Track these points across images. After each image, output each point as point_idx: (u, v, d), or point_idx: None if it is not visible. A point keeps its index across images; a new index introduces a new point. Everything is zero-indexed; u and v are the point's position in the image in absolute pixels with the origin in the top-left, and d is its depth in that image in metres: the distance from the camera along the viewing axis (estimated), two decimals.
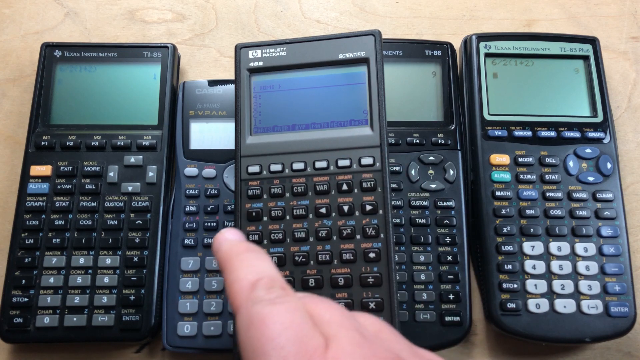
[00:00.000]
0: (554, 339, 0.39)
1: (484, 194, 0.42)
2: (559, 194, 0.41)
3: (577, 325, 0.39)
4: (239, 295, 0.21)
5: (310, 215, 0.34)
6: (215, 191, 0.42)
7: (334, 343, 0.19)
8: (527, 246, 0.40)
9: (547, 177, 0.42)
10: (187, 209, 0.41)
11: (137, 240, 0.40)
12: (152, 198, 0.41)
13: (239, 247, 0.24)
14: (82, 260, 0.40)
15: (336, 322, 0.20)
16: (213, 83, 0.45)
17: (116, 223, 0.41)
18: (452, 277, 0.40)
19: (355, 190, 0.34)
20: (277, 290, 0.21)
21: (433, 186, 0.42)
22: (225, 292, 0.23)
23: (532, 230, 0.41)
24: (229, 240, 0.25)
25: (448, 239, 0.41)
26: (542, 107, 0.44)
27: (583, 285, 0.39)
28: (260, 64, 0.37)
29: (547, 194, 0.41)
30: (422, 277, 0.40)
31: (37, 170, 0.42)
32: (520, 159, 0.42)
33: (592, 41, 0.46)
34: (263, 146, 0.36)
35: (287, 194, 0.34)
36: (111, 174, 0.42)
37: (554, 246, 0.40)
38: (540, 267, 0.40)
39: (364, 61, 0.36)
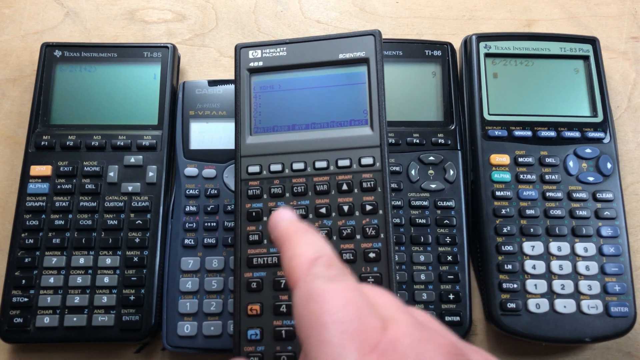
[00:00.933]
0: (554, 339, 0.39)
1: (484, 194, 0.42)
2: (559, 194, 0.41)
3: (577, 325, 0.39)
4: (298, 269, 0.21)
5: (310, 216, 0.34)
6: (215, 191, 0.42)
7: (393, 324, 0.19)
8: (527, 246, 0.40)
9: (547, 177, 0.42)
10: (187, 209, 0.41)
11: (137, 240, 0.40)
12: (152, 198, 0.41)
13: (297, 225, 0.24)
14: (82, 260, 0.40)
15: (392, 306, 0.21)
16: (213, 83, 0.45)
17: (116, 223, 0.41)
18: (452, 277, 0.40)
19: (355, 190, 0.34)
20: (336, 269, 0.21)
21: (433, 186, 0.42)
22: (282, 267, 0.23)
23: (532, 230, 0.41)
24: (287, 218, 0.25)
25: (448, 239, 0.41)
26: (542, 107, 0.44)
27: (583, 285, 0.39)
28: (260, 64, 0.37)
29: (547, 194, 0.41)
30: (422, 277, 0.40)
31: (37, 170, 0.42)
32: (520, 159, 0.42)
33: (592, 41, 0.46)
34: (263, 146, 0.36)
35: (287, 194, 0.34)
36: (111, 174, 0.42)
37: (554, 246, 0.40)
38: (540, 267, 0.40)
39: (364, 61, 0.36)
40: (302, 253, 0.22)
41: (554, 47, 0.45)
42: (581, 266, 0.40)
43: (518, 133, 0.43)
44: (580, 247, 0.40)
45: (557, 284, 0.39)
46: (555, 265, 0.40)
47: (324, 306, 0.19)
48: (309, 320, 0.19)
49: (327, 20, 0.51)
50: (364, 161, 0.34)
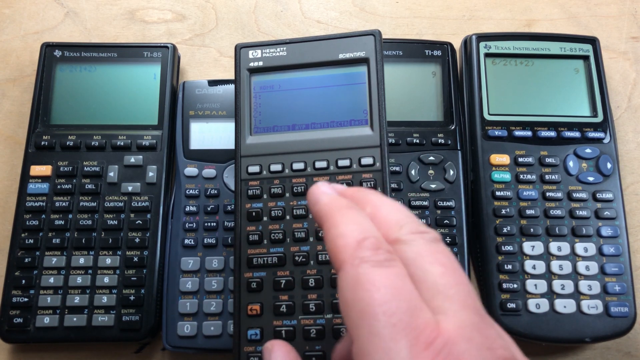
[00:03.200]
0: (554, 339, 0.39)
1: (484, 194, 0.42)
2: (559, 194, 0.41)
3: (577, 325, 0.39)
4: (344, 251, 0.20)
5: (310, 215, 0.34)
6: (215, 191, 0.42)
7: (445, 319, 0.18)
8: (527, 246, 0.40)
9: (547, 177, 0.42)
10: (187, 209, 0.41)
11: (137, 240, 0.40)
12: (152, 198, 0.41)
13: (339, 201, 0.23)
14: (82, 260, 0.40)
15: (444, 293, 0.19)
16: (213, 83, 0.45)
17: (116, 223, 0.41)
18: None
19: None
20: (384, 253, 0.20)
21: (433, 186, 0.42)
22: (326, 245, 0.22)
23: (532, 230, 0.41)
24: (328, 193, 0.24)
25: (448, 239, 0.41)
26: (542, 107, 0.44)
27: (583, 285, 0.39)
28: (260, 64, 0.37)
29: (547, 194, 0.41)
30: None
31: (37, 170, 0.42)
32: (520, 159, 0.42)
33: (592, 41, 0.46)
34: (263, 146, 0.36)
35: (287, 194, 0.34)
36: (111, 174, 0.42)
37: (554, 246, 0.40)
38: (540, 267, 0.40)
39: (364, 61, 0.36)
40: (348, 233, 0.21)
41: (554, 47, 0.45)
42: (581, 266, 0.40)
43: (518, 133, 0.43)
44: (580, 247, 0.40)
45: (557, 284, 0.39)
46: (555, 265, 0.40)
47: (373, 295, 0.18)
48: (358, 308, 0.19)
49: (327, 20, 0.51)
50: (364, 161, 0.34)
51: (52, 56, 0.45)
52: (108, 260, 0.40)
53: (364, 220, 0.22)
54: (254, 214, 0.34)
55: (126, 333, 0.38)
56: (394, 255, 0.20)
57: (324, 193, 0.24)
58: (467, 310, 0.19)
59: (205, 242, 0.40)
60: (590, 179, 0.42)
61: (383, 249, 0.20)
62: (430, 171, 0.42)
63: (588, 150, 0.43)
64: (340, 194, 0.24)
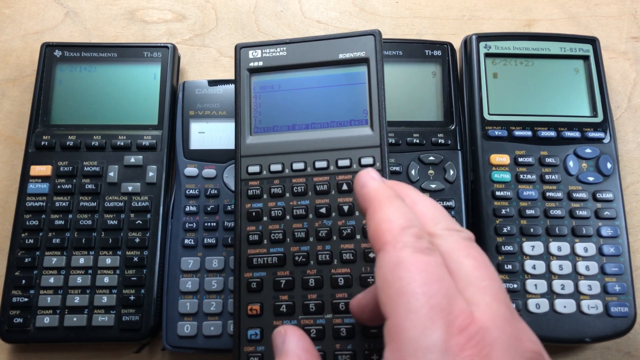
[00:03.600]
0: (554, 339, 0.39)
1: (484, 194, 0.42)
2: (559, 194, 0.41)
3: (577, 325, 0.39)
4: (388, 233, 0.21)
5: (310, 215, 0.34)
6: (215, 191, 0.42)
7: (479, 310, 0.19)
8: (527, 246, 0.40)
9: (547, 177, 0.42)
10: (187, 209, 0.41)
11: (137, 240, 0.40)
12: (152, 198, 0.41)
13: (387, 189, 0.24)
14: (82, 260, 0.40)
15: (477, 285, 0.20)
16: (213, 83, 0.45)
17: (116, 223, 0.41)
18: None
19: None
20: (426, 242, 0.21)
21: (433, 186, 0.42)
22: (368, 228, 0.22)
23: (532, 230, 0.41)
24: (377, 180, 0.24)
25: None
26: (542, 107, 0.44)
27: (583, 285, 0.39)
28: (260, 64, 0.37)
29: (547, 194, 0.41)
30: None
31: (37, 170, 0.42)
32: (520, 159, 0.42)
33: (592, 41, 0.46)
34: (263, 146, 0.36)
35: (287, 194, 0.34)
36: (111, 174, 0.42)
37: (554, 246, 0.40)
38: (540, 267, 0.40)
39: (364, 61, 0.36)
40: (393, 219, 0.21)
41: (554, 47, 0.45)
42: (581, 266, 0.40)
43: (518, 133, 0.43)
44: (580, 247, 0.40)
45: (557, 284, 0.39)
46: (555, 265, 0.40)
47: (414, 276, 0.19)
48: (397, 287, 0.19)
49: (327, 20, 0.51)
50: (364, 161, 0.34)
51: (52, 56, 0.45)
52: (108, 260, 0.40)
53: (408, 211, 0.22)
54: (254, 214, 0.34)
55: (126, 333, 0.38)
56: (434, 246, 0.21)
57: (373, 179, 0.25)
58: (498, 303, 0.19)
59: (205, 242, 0.40)
60: (590, 179, 0.42)
61: (425, 238, 0.21)
62: (430, 171, 0.42)
63: (588, 150, 0.43)
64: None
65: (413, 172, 0.42)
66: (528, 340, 0.19)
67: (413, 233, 0.21)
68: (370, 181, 0.24)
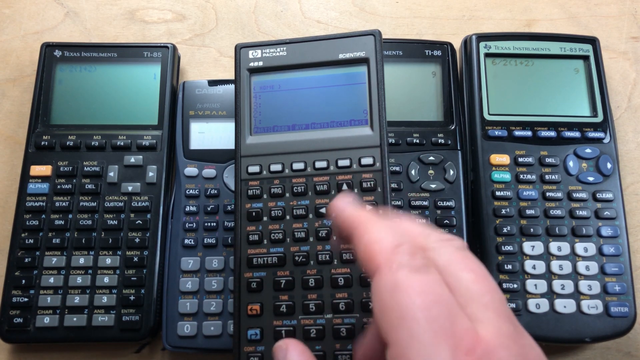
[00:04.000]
0: (554, 339, 0.39)
1: (484, 194, 0.42)
2: (559, 194, 0.41)
3: (577, 325, 0.39)
4: (380, 255, 0.20)
5: (310, 215, 0.34)
6: (215, 191, 0.42)
7: (483, 328, 0.18)
8: (527, 246, 0.40)
9: (547, 177, 0.42)
10: (187, 209, 0.41)
11: (137, 240, 0.40)
12: (152, 198, 0.41)
13: (369, 212, 0.23)
14: (82, 260, 0.40)
15: (478, 301, 0.19)
16: (213, 83, 0.45)
17: (116, 223, 0.41)
18: None
19: (355, 190, 0.34)
20: (421, 259, 0.20)
21: (433, 186, 0.42)
22: (358, 252, 0.22)
23: (532, 230, 0.41)
24: (353, 203, 0.24)
25: None
26: (542, 107, 0.44)
27: (583, 285, 0.39)
28: (260, 64, 0.37)
29: (547, 194, 0.41)
30: None
31: (37, 170, 0.42)
32: (520, 159, 0.42)
33: (592, 41, 0.46)
34: (263, 146, 0.36)
35: (287, 194, 0.34)
36: (111, 174, 0.42)
37: (554, 246, 0.40)
38: (540, 267, 0.40)
39: (364, 61, 0.36)
40: (383, 238, 0.21)
41: (554, 47, 0.45)
42: (581, 266, 0.40)
43: (518, 133, 0.43)
44: (580, 247, 0.40)
45: (557, 284, 0.39)
46: (555, 265, 0.40)
47: (414, 300, 0.18)
48: (398, 312, 0.18)
49: (327, 20, 0.51)
50: (364, 161, 0.34)
51: (52, 56, 0.45)
52: (108, 260, 0.40)
53: (396, 228, 0.22)
54: (254, 214, 0.34)
55: (126, 333, 0.38)
56: (430, 262, 0.20)
57: (349, 203, 0.24)
58: (502, 319, 0.19)
59: (205, 242, 0.40)
60: (590, 179, 0.42)
61: (419, 254, 0.20)
62: (430, 171, 0.42)
63: (588, 150, 0.43)
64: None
65: (413, 172, 0.42)
66: (534, 358, 0.19)
67: (406, 250, 0.20)
68: (348, 206, 0.24)
